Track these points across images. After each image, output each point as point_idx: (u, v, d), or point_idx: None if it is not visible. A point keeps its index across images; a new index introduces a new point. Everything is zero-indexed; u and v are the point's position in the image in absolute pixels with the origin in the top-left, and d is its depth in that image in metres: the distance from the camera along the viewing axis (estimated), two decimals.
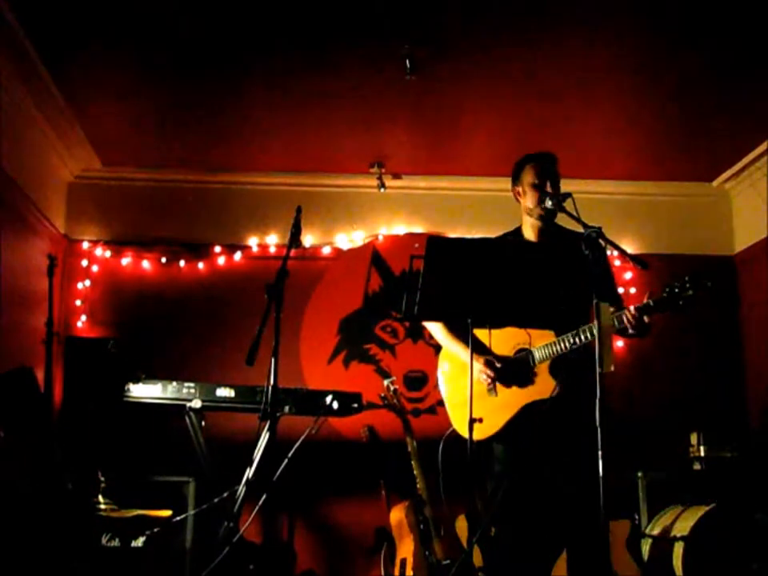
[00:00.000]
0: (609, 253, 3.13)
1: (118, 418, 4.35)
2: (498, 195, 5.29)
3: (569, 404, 2.87)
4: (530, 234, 3.14)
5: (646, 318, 2.77)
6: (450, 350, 3.21)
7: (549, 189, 3.01)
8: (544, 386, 2.92)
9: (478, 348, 2.96)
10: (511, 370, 2.99)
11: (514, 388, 3.00)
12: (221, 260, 5.42)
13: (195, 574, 3.72)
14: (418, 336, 5.37)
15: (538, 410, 2.89)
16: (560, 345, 2.89)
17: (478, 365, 2.96)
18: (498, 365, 2.97)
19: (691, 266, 2.85)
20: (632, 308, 2.76)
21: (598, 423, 2.43)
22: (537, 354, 2.97)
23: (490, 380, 2.98)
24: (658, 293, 2.78)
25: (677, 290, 2.70)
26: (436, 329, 3.23)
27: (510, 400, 2.99)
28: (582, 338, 2.82)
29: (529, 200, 3.09)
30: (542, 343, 2.95)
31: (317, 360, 5.33)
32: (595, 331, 2.54)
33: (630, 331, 2.80)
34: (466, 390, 2.76)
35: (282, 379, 3.07)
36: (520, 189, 3.13)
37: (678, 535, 4.05)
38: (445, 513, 4.28)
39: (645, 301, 2.77)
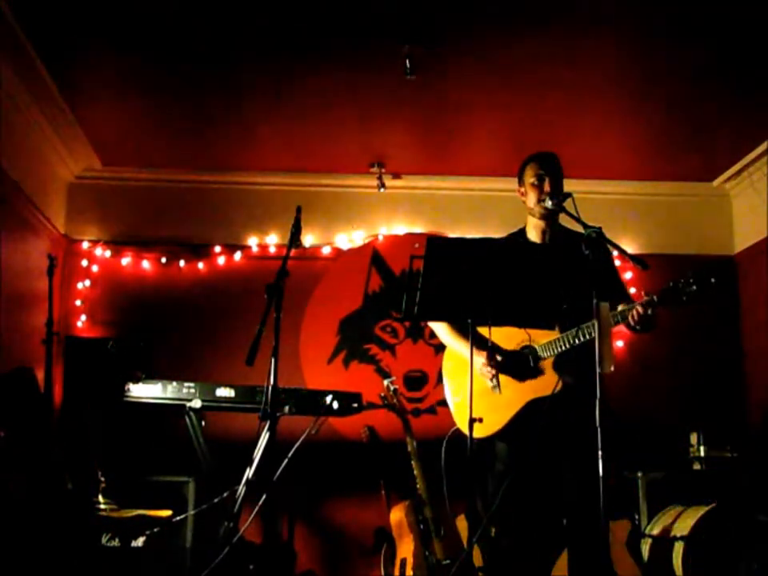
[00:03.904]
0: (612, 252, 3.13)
1: (117, 417, 4.34)
2: (497, 195, 5.32)
3: (572, 402, 2.87)
4: (533, 234, 3.16)
5: (650, 311, 2.76)
6: (453, 348, 3.21)
7: (547, 188, 3.03)
8: (547, 383, 2.92)
9: (481, 344, 2.97)
10: (513, 363, 3.00)
11: (518, 385, 3.00)
12: (221, 260, 5.42)
13: (195, 574, 3.71)
14: (418, 336, 5.37)
15: (542, 407, 2.89)
16: (563, 342, 2.89)
17: (480, 359, 2.96)
18: (500, 357, 2.97)
19: (691, 266, 2.83)
20: (638, 305, 2.76)
21: (597, 423, 2.43)
22: (541, 351, 2.97)
23: (492, 374, 2.98)
24: (656, 292, 2.78)
25: (681, 285, 2.71)
26: (439, 327, 3.24)
27: (514, 397, 2.99)
28: (586, 334, 2.82)
29: (529, 200, 3.12)
30: (544, 341, 2.95)
31: (317, 360, 5.33)
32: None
33: (637, 327, 2.81)
34: (468, 388, 2.77)
35: (282, 379, 3.07)
36: (522, 189, 3.17)
37: (678, 535, 4.05)
38: (445, 513, 4.28)
39: (648, 297, 2.77)
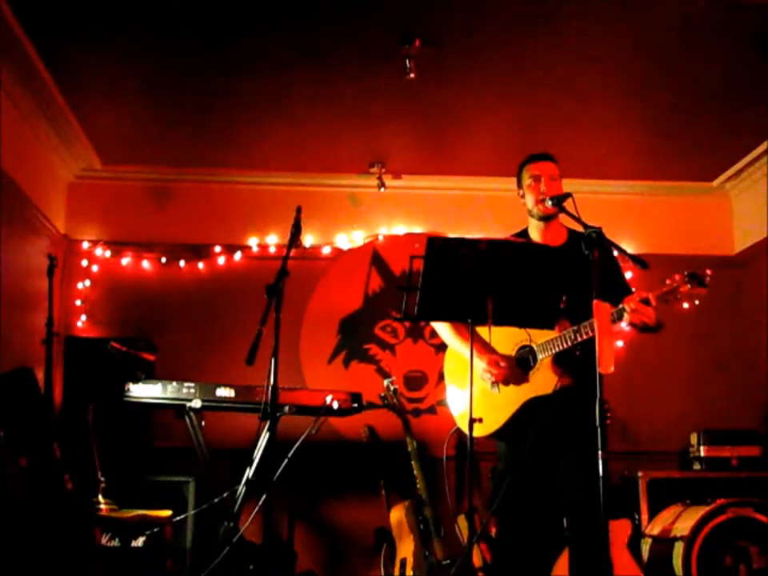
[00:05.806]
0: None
1: (117, 418, 4.34)
2: (498, 195, 5.32)
3: (571, 401, 2.87)
4: (535, 235, 3.16)
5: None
6: (454, 348, 3.21)
7: (543, 188, 3.03)
8: (546, 382, 2.92)
9: (484, 348, 2.97)
10: (515, 370, 3.00)
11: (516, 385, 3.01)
12: (221, 260, 5.42)
13: (195, 574, 3.72)
14: (418, 336, 5.37)
15: (540, 407, 2.89)
16: (561, 340, 2.89)
17: (482, 363, 2.97)
18: (503, 363, 2.98)
19: (691, 266, 2.83)
20: (631, 303, 2.74)
21: (597, 423, 2.43)
22: (539, 351, 2.97)
23: (492, 381, 2.99)
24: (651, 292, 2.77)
25: (675, 285, 2.70)
26: (441, 327, 3.24)
27: (512, 396, 2.99)
28: (584, 333, 2.81)
29: (528, 201, 3.13)
30: (544, 340, 2.95)
31: (317, 360, 5.33)
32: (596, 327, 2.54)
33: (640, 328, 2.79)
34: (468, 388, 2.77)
35: (282, 379, 3.07)
36: (521, 191, 3.18)
37: (678, 535, 4.05)
38: (445, 513, 4.28)
39: (643, 296, 2.76)
